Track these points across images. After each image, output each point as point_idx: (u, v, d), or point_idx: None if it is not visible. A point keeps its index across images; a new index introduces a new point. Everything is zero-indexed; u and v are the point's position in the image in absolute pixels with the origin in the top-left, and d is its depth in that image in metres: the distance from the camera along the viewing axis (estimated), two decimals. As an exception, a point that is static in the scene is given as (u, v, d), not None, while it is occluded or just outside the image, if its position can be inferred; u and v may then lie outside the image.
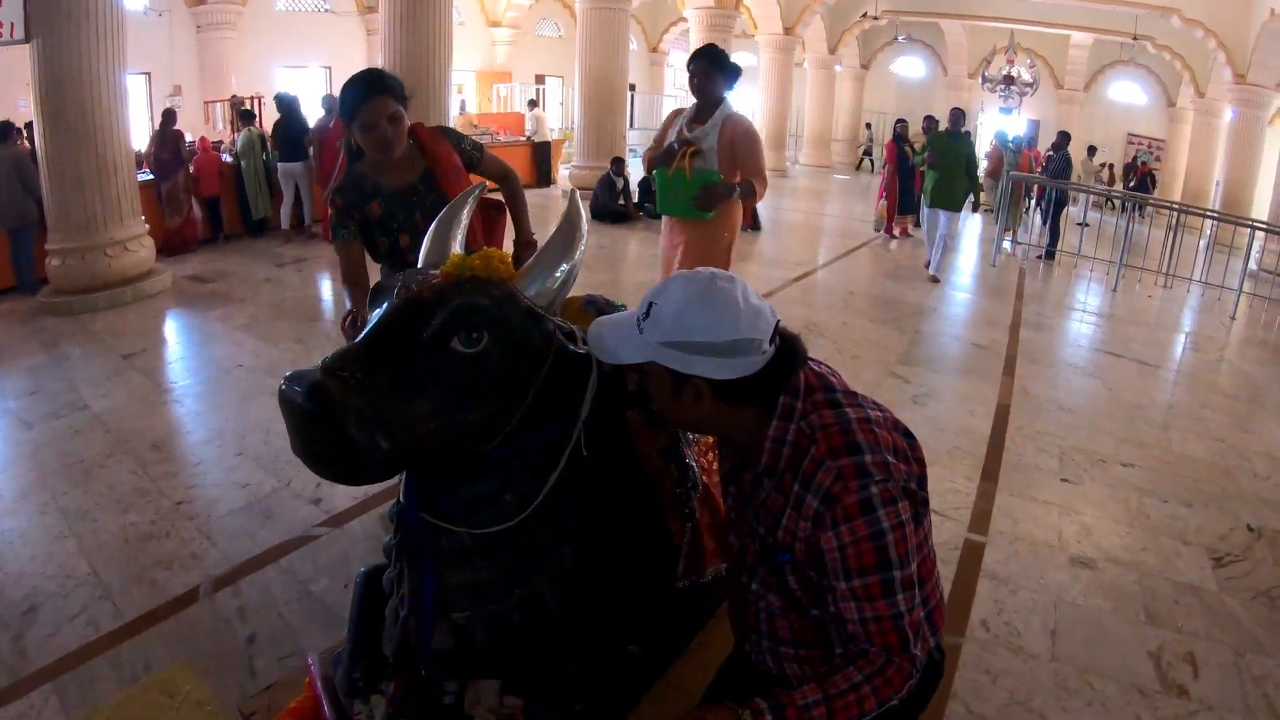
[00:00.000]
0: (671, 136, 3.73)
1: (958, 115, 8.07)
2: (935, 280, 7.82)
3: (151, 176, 7.49)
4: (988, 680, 2.35)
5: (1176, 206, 9.91)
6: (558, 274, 1.38)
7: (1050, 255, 9.61)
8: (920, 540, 1.29)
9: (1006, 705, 2.26)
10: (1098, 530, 3.28)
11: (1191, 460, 4.05)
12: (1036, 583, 2.86)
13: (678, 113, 3.86)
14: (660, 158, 3.67)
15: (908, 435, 1.33)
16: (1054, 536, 3.20)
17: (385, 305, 1.31)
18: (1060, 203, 9.76)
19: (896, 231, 10.20)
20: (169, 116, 7.86)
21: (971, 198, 8.06)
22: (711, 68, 3.61)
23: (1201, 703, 2.32)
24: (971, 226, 11.75)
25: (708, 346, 1.19)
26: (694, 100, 3.72)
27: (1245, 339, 7.13)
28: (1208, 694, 2.36)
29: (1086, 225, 10.97)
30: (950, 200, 7.77)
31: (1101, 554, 3.09)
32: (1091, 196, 12.65)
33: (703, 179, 3.57)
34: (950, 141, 7.83)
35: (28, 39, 5.42)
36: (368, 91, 2.33)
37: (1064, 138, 10.29)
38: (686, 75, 5.30)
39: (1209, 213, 10.81)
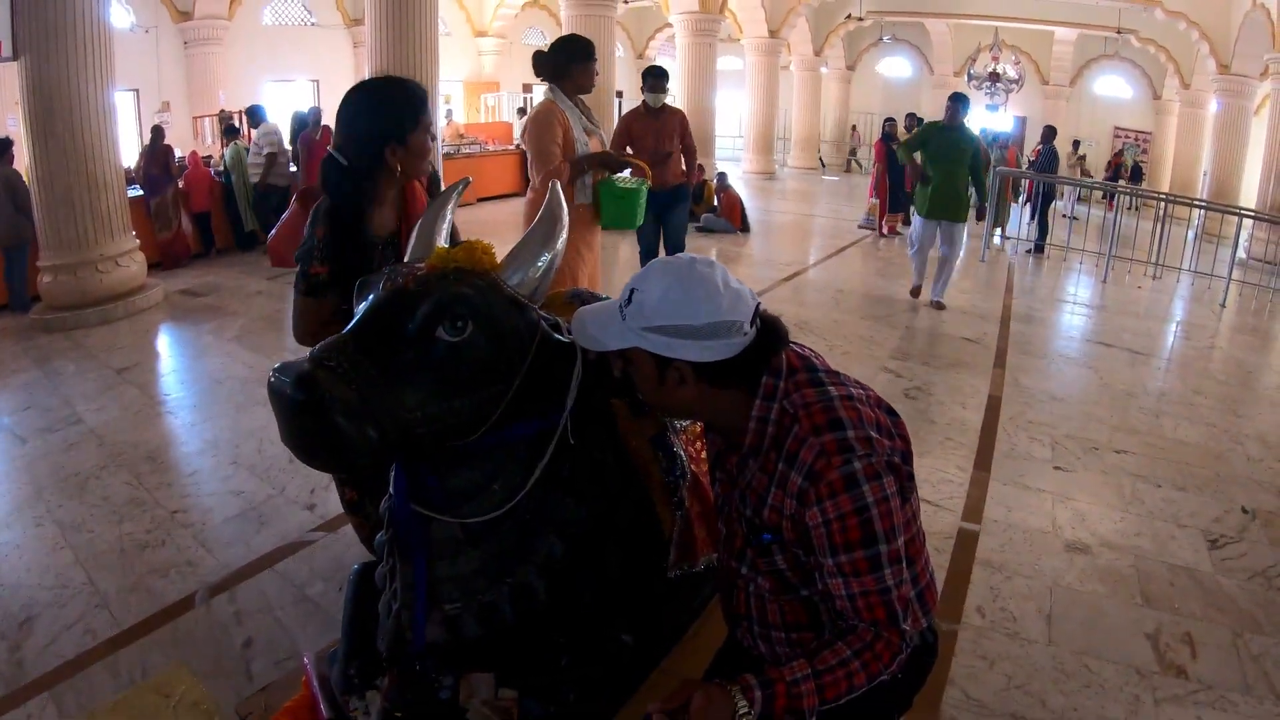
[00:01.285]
0: (582, 140, 3.57)
1: (957, 103, 6.35)
2: (939, 307, 6.52)
3: (141, 192, 7.51)
4: (985, 665, 2.36)
5: (1163, 197, 9.97)
6: (539, 264, 1.39)
7: (1039, 249, 9.65)
8: (908, 518, 1.30)
9: (1004, 689, 2.27)
10: (1092, 516, 3.29)
11: (1185, 445, 4.07)
12: (1031, 569, 2.88)
13: (552, 111, 3.57)
14: (601, 167, 3.59)
15: (891, 412, 1.34)
16: (1048, 523, 3.21)
17: (371, 297, 1.32)
18: (1048, 197, 9.80)
19: (885, 230, 10.23)
20: (158, 133, 7.89)
21: (975, 200, 6.52)
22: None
23: (1200, 682, 2.33)
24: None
25: (689, 329, 1.21)
26: (568, 93, 3.65)
27: (1236, 326, 7.16)
28: (1206, 673, 2.37)
29: (1075, 219, 11.02)
30: (954, 208, 6.30)
31: (1096, 539, 3.10)
32: (1078, 190, 12.70)
33: (641, 186, 3.66)
34: (948, 135, 6.30)
35: (15, 56, 5.44)
36: (426, 97, 1.99)
37: (1050, 132, 10.35)
38: (650, 82, 5.39)
39: (1196, 201, 10.87)
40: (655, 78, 5.48)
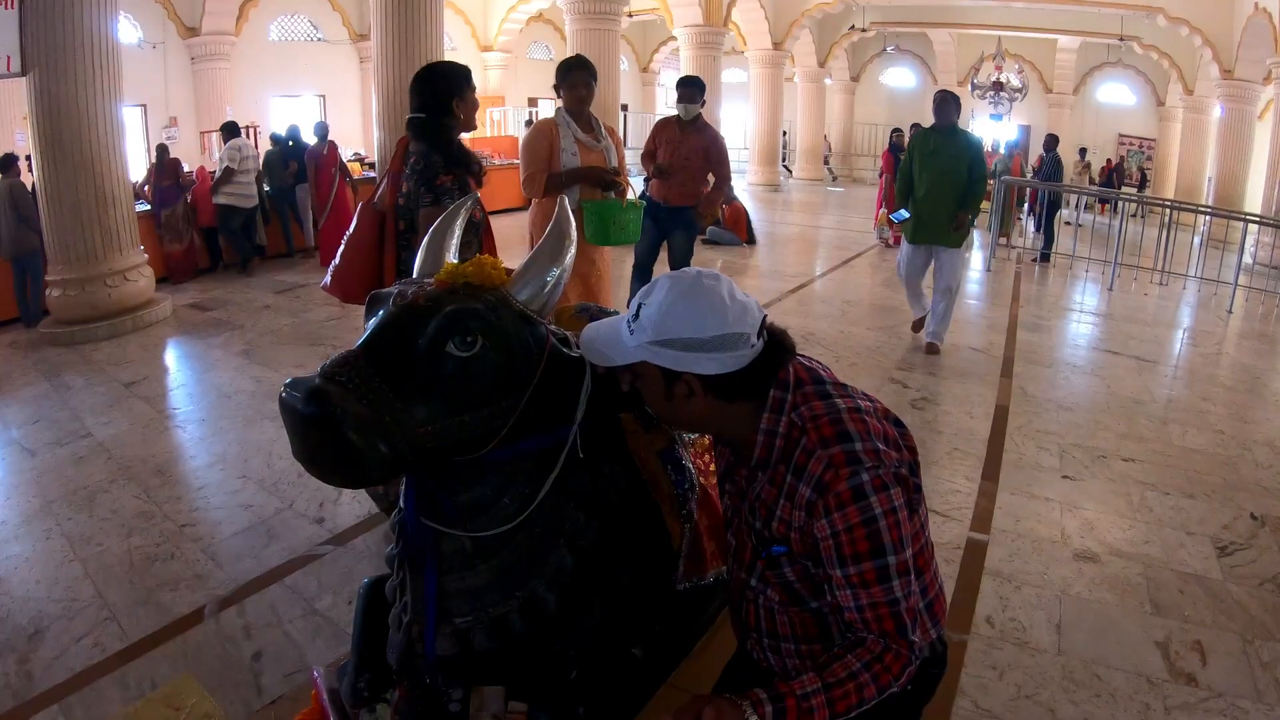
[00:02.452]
0: (570, 151, 3.76)
1: (945, 102, 5.30)
2: (933, 349, 5.49)
3: (148, 207, 7.56)
4: (994, 676, 2.35)
5: (1169, 204, 9.96)
6: (549, 279, 1.41)
7: (1045, 258, 9.64)
8: (916, 529, 1.30)
9: (1014, 700, 2.26)
10: (1100, 525, 3.28)
11: (1193, 452, 4.06)
12: (1040, 578, 2.87)
13: (543, 127, 3.81)
14: (584, 182, 3.77)
15: (898, 424, 1.34)
16: (1056, 532, 3.20)
17: (382, 312, 1.33)
18: (1053, 205, 9.79)
19: (892, 240, 10.23)
20: (163, 150, 7.97)
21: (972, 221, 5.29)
22: (594, 80, 3.90)
23: (1211, 690, 2.32)
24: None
25: (696, 342, 1.22)
26: (566, 109, 3.86)
27: (1243, 332, 7.15)
28: (1216, 681, 2.36)
29: (1080, 225, 11.03)
30: (945, 230, 5.24)
31: (1105, 548, 3.09)
32: (1083, 198, 12.71)
33: (632, 205, 3.80)
34: (938, 140, 5.25)
35: (24, 72, 5.49)
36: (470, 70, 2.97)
37: (1053, 140, 10.35)
38: (679, 92, 5.20)
39: (1201, 208, 10.85)
40: (683, 87, 5.17)
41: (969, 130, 5.33)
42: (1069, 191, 11.18)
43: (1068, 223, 11.26)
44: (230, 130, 8.37)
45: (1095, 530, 3.23)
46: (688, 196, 5.11)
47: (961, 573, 2.87)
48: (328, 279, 2.89)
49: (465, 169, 2.82)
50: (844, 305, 7.08)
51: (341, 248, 2.85)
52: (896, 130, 10.89)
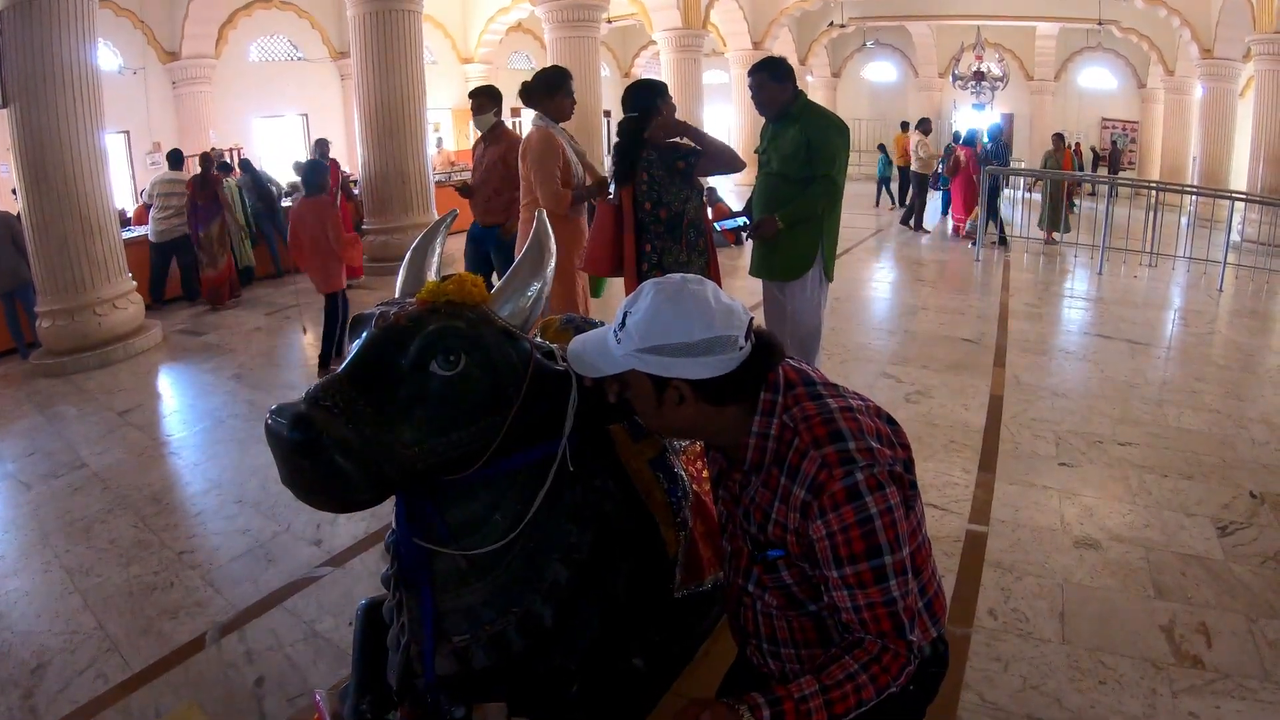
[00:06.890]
0: (575, 163, 3.92)
1: (760, 86, 3.50)
2: None
3: (138, 233, 7.48)
4: (999, 668, 2.34)
5: (1154, 185, 9.99)
6: (529, 293, 1.40)
7: (1004, 241, 9.72)
8: (913, 527, 1.29)
9: (1020, 691, 2.25)
10: (1100, 510, 3.28)
11: (1189, 433, 4.06)
12: (1041, 567, 2.86)
13: (552, 138, 3.86)
14: (592, 198, 3.92)
15: (890, 421, 1.34)
16: (1056, 520, 3.20)
17: (365, 334, 1.33)
18: (994, 190, 9.88)
19: (959, 232, 10.39)
20: (206, 161, 7.61)
21: (823, 248, 3.62)
22: None
23: (1218, 671, 2.32)
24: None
25: (684, 347, 1.21)
26: (555, 121, 3.98)
27: (1234, 310, 7.16)
28: (1223, 662, 2.36)
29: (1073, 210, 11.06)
30: (772, 258, 3.66)
31: (1105, 533, 3.09)
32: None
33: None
34: (769, 135, 3.68)
35: (5, 104, 5.48)
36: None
37: (999, 128, 10.58)
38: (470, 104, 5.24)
39: (1187, 188, 10.89)
40: (471, 98, 5.30)
41: (821, 110, 3.81)
42: (1057, 178, 11.26)
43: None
44: (174, 160, 8.02)
45: (1095, 516, 3.23)
46: (492, 213, 4.87)
47: (962, 565, 2.87)
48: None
49: (683, 157, 3.44)
50: (834, 302, 7.04)
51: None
52: (973, 130, 10.94)
